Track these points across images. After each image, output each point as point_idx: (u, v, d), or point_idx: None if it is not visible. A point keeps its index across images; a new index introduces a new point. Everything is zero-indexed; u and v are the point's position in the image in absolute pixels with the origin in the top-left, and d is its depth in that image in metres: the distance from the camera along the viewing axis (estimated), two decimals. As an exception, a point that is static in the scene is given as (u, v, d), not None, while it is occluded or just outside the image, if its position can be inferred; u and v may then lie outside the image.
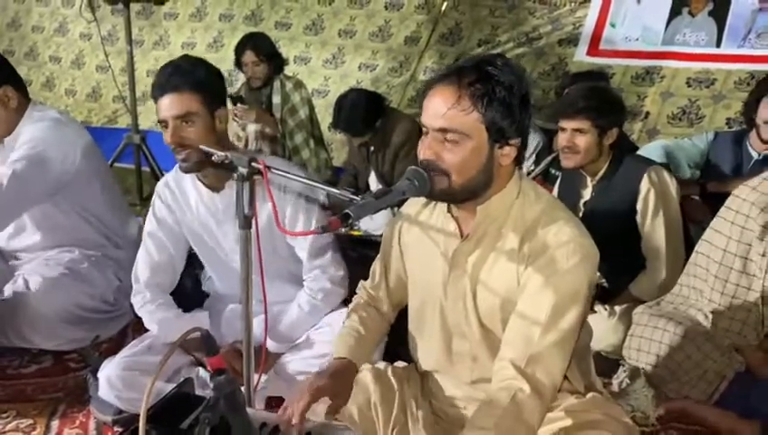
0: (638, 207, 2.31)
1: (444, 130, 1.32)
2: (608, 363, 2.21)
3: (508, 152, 1.36)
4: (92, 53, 5.50)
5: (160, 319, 2.06)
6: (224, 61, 4.88)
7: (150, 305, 2.08)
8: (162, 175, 4.18)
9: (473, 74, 1.31)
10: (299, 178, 1.65)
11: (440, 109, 1.32)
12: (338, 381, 1.49)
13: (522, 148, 1.39)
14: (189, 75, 1.86)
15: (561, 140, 2.34)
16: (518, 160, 1.41)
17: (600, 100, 2.33)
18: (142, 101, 5.00)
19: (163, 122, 1.86)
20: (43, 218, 2.43)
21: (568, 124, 2.31)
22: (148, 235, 2.12)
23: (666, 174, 2.33)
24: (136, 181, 4.31)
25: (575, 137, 2.31)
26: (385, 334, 1.74)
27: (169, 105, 1.84)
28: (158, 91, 1.87)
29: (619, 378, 2.09)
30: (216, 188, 1.99)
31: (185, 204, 2.08)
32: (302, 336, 2.05)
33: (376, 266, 1.71)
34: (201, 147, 1.74)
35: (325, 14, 4.85)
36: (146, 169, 4.36)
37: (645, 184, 2.30)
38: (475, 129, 1.31)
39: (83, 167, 2.39)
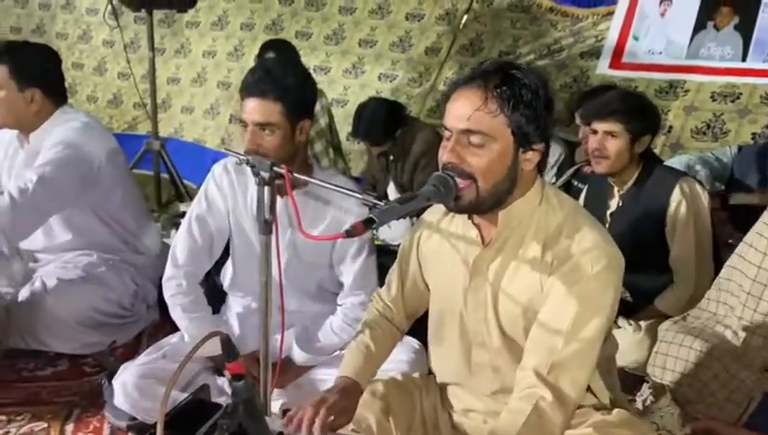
0: (668, 218, 2.26)
1: (469, 132, 1.30)
2: (632, 380, 2.16)
3: (531, 157, 1.34)
4: (114, 60, 5.55)
5: (192, 318, 2.03)
6: (244, 69, 4.90)
7: (183, 298, 2.04)
8: (181, 182, 4.27)
9: (499, 77, 1.30)
10: (322, 183, 1.63)
11: (466, 111, 1.30)
12: (345, 399, 1.46)
13: (544, 154, 1.37)
14: (278, 83, 1.82)
15: (592, 142, 2.29)
16: (540, 167, 1.39)
17: (635, 104, 2.29)
18: (163, 108, 5.05)
19: (243, 123, 1.85)
20: (63, 220, 2.43)
21: (600, 126, 2.27)
22: (195, 217, 2.05)
23: (698, 186, 2.28)
24: (154, 188, 4.32)
25: (606, 140, 2.26)
26: (396, 343, 1.70)
27: (252, 110, 1.82)
28: (245, 91, 1.85)
29: (644, 395, 2.04)
30: (279, 191, 1.90)
31: (241, 193, 2.03)
32: (334, 353, 2.03)
33: (392, 276, 1.69)
34: (227, 149, 1.73)
35: (346, 24, 4.86)
36: (165, 175, 4.37)
37: (676, 195, 2.25)
38: (500, 132, 1.30)
39: (108, 171, 2.40)
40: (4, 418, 2.10)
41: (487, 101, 1.29)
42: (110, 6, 4.78)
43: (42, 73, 2.37)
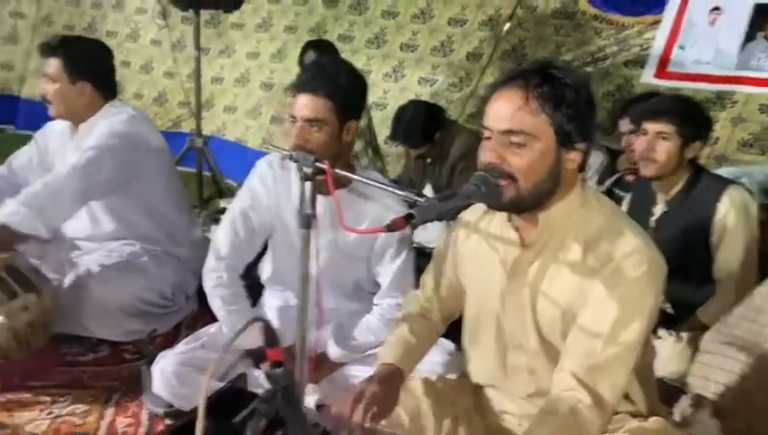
0: (715, 226, 2.21)
1: (510, 132, 1.30)
2: (671, 391, 2.12)
3: (574, 157, 1.34)
4: (161, 58, 5.67)
5: (231, 310, 2.06)
6: (287, 71, 4.97)
7: (224, 290, 2.07)
8: (222, 180, 4.35)
9: (539, 77, 1.30)
10: (362, 179, 1.65)
11: (507, 111, 1.30)
12: (386, 387, 1.47)
13: (586, 153, 1.36)
14: (330, 81, 1.85)
15: (641, 143, 2.26)
16: (581, 167, 1.38)
17: (689, 108, 2.26)
18: (206, 107, 5.14)
19: (293, 118, 1.88)
20: (109, 210, 2.50)
21: (651, 127, 2.23)
22: (239, 211, 2.08)
23: (747, 195, 2.22)
24: (196, 185, 4.40)
25: (656, 142, 2.22)
26: (433, 343, 1.71)
27: (303, 105, 1.85)
28: (298, 87, 1.88)
29: (682, 406, 1.99)
30: (322, 190, 1.87)
31: (284, 190, 2.06)
32: (369, 351, 2.04)
33: (427, 276, 1.69)
34: (271, 145, 1.75)
35: (388, 28, 4.88)
36: (206, 173, 4.46)
37: (724, 203, 2.20)
38: (542, 131, 1.30)
39: (152, 161, 2.47)
40: (48, 399, 2.17)
41: (528, 100, 1.29)
42: (158, 6, 4.91)
43: (92, 68, 2.46)
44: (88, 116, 2.47)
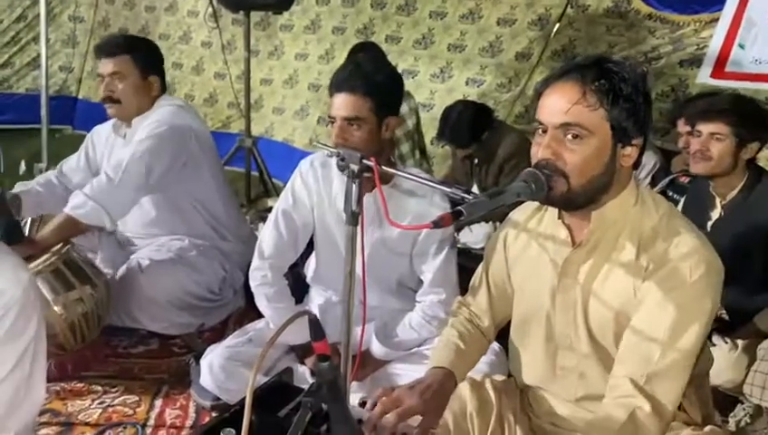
0: None
1: (567, 126, 1.27)
2: (726, 400, 2.05)
3: (630, 153, 1.30)
4: (211, 60, 5.77)
5: (276, 308, 2.09)
6: (333, 72, 5.00)
7: (268, 288, 2.09)
8: (270, 179, 4.41)
9: (596, 71, 1.27)
10: (410, 176, 1.64)
11: (563, 105, 1.27)
12: (436, 393, 1.41)
13: (642, 149, 1.33)
14: (367, 79, 1.86)
15: (695, 144, 2.18)
16: (636, 164, 1.34)
17: (746, 108, 2.18)
18: (255, 108, 5.21)
19: (332, 118, 1.89)
20: (159, 205, 2.56)
21: (705, 127, 2.16)
22: (281, 212, 2.11)
23: None
24: (245, 184, 4.47)
25: (710, 142, 2.14)
26: (483, 353, 1.67)
27: (340, 104, 1.87)
28: (335, 86, 1.89)
29: (738, 416, 1.92)
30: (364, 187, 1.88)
31: (326, 189, 2.08)
32: (412, 348, 2.04)
33: (476, 279, 1.66)
34: (318, 142, 1.76)
35: (435, 29, 4.86)
36: (255, 173, 4.52)
37: None
38: (599, 126, 1.26)
39: (197, 153, 2.51)
40: (100, 389, 2.23)
41: (585, 94, 1.26)
42: (209, 9, 5.00)
43: (158, 63, 2.56)
44: (147, 109, 2.53)
